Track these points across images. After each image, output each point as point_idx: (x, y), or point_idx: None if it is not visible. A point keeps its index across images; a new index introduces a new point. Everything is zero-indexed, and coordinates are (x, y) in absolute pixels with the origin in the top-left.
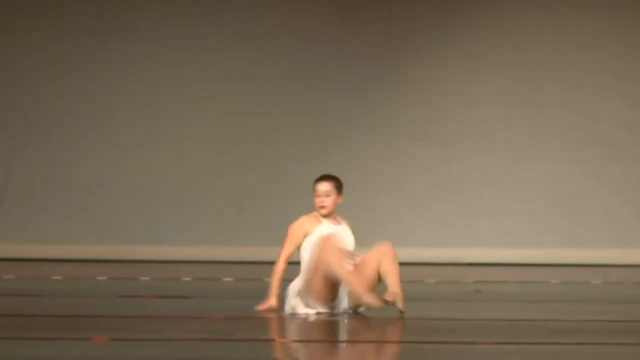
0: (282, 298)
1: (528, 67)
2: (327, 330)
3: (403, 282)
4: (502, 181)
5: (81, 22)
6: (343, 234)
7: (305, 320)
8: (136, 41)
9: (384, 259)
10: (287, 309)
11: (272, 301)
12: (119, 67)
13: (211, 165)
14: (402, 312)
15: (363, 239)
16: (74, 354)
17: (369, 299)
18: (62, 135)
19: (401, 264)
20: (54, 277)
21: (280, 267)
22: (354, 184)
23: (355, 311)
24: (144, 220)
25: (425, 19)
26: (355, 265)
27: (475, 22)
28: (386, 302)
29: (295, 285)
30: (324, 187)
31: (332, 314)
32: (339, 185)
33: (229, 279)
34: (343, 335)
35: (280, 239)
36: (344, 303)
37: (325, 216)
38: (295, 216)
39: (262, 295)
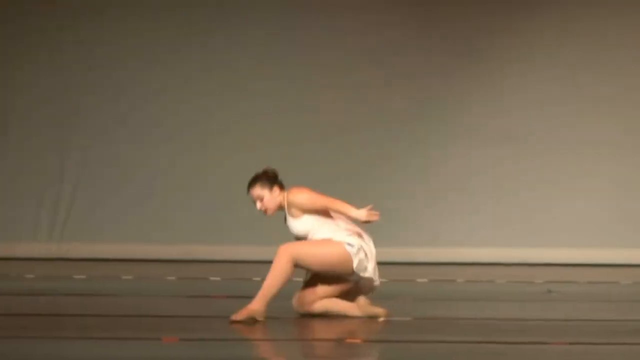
0: None
1: (614, 64)
2: (394, 331)
3: (476, 282)
4: (570, 181)
5: (143, 23)
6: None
7: (372, 321)
8: (199, 43)
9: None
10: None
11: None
12: (179, 68)
13: (283, 163)
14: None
15: (437, 238)
16: (144, 354)
17: (360, 212)
18: (127, 134)
19: (471, 264)
20: (125, 277)
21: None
22: (425, 183)
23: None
24: (214, 219)
25: (506, 14)
26: None
27: (558, 18)
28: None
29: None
30: (252, 194)
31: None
32: (262, 183)
33: (299, 279)
34: (413, 335)
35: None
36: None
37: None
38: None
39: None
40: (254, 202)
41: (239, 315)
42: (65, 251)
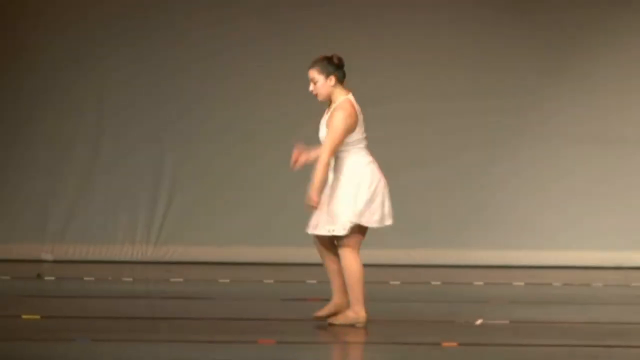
0: None
1: None
2: (491, 334)
3: (572, 285)
4: None
5: (226, 29)
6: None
7: (474, 325)
8: (280, 44)
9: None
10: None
11: None
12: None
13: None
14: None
15: (532, 240)
16: (241, 356)
17: (312, 190)
18: (225, 135)
19: (568, 267)
20: (221, 280)
21: None
22: (521, 184)
23: None
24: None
25: (603, 13)
26: None
27: None
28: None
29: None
30: (309, 74)
31: None
32: (322, 67)
33: (396, 282)
34: (509, 338)
35: (438, 242)
36: None
37: (324, 102)
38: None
39: (430, 299)
40: (343, 68)
41: (339, 319)
42: (162, 254)
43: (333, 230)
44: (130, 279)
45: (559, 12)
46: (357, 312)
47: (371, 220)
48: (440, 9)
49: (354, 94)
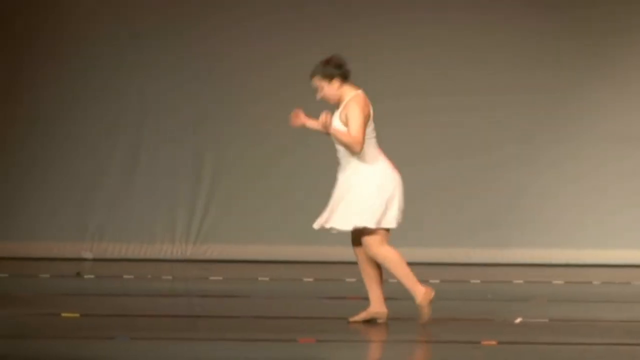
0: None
1: None
2: (530, 332)
3: (612, 284)
4: None
5: (262, 29)
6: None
7: (513, 323)
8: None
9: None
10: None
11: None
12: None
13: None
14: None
15: (572, 239)
16: (281, 355)
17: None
18: (264, 133)
19: (607, 266)
20: (261, 279)
21: None
22: (562, 181)
23: None
24: None
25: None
26: None
27: None
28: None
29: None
30: (313, 84)
31: None
32: (322, 72)
33: (436, 281)
34: (549, 336)
35: (477, 240)
36: None
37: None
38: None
39: (469, 297)
40: (343, 68)
41: (425, 318)
42: (202, 252)
43: (357, 223)
44: (170, 277)
45: (590, 7)
46: (418, 292)
47: (392, 221)
48: (470, 7)
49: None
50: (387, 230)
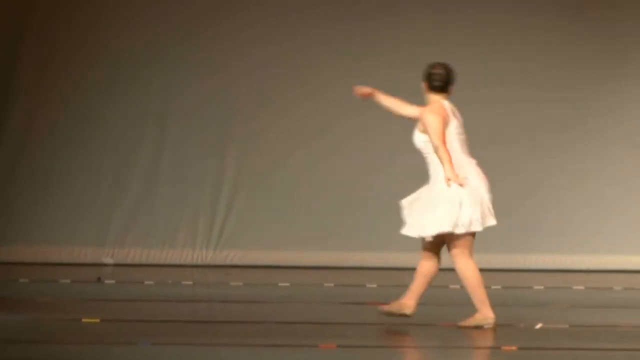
0: None
1: None
2: (550, 338)
3: (634, 289)
4: None
5: (294, 28)
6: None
7: (533, 329)
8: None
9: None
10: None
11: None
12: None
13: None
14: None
15: (590, 245)
16: None
17: (453, 175)
18: (285, 139)
19: (629, 271)
20: (281, 284)
21: None
22: (580, 188)
23: None
24: (371, 226)
25: None
26: None
27: None
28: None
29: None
30: (439, 71)
31: None
32: (451, 72)
33: (456, 287)
34: (569, 342)
35: (504, 246)
36: None
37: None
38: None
39: (492, 302)
40: (437, 80)
41: (468, 322)
42: (222, 258)
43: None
44: (191, 283)
45: (622, 9)
46: (484, 314)
47: (477, 225)
48: (509, 9)
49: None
50: (474, 235)
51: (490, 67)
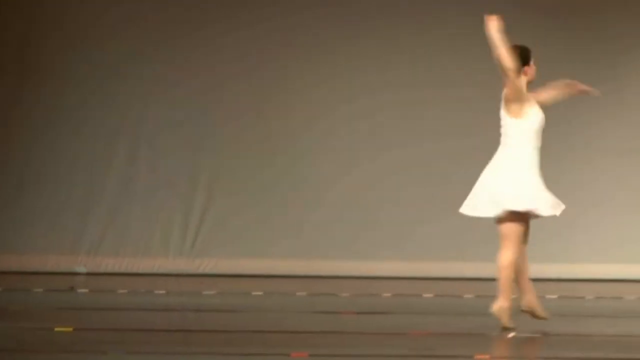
0: None
1: None
2: (523, 347)
3: (605, 298)
4: None
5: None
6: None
7: (506, 338)
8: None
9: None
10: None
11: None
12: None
13: (408, 175)
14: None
15: (565, 254)
16: None
17: None
18: (258, 148)
19: (600, 280)
20: (254, 293)
21: None
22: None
23: None
24: (344, 235)
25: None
26: None
27: None
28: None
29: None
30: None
31: None
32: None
33: (429, 295)
34: (542, 351)
35: (475, 255)
36: None
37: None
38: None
39: (462, 312)
40: None
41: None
42: (196, 267)
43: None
44: (164, 292)
45: (600, 21)
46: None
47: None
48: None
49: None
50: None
51: (460, 68)
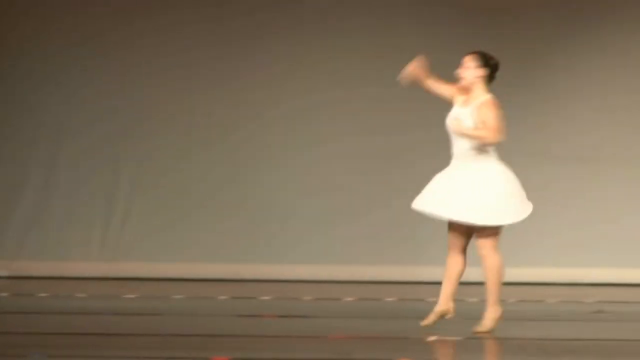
0: None
1: None
2: (444, 351)
3: (526, 302)
4: (621, 199)
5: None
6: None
7: (427, 341)
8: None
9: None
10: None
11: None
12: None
13: (331, 183)
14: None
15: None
16: None
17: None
18: (176, 153)
19: (521, 284)
20: (176, 297)
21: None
22: None
23: None
24: (265, 238)
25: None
26: None
27: None
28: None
29: None
30: (463, 60)
31: None
32: (479, 57)
33: (350, 299)
34: (463, 355)
35: (397, 258)
36: None
37: (462, 91)
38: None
39: (382, 315)
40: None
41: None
42: (116, 270)
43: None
44: (85, 295)
45: (527, 29)
46: (497, 311)
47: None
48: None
49: None
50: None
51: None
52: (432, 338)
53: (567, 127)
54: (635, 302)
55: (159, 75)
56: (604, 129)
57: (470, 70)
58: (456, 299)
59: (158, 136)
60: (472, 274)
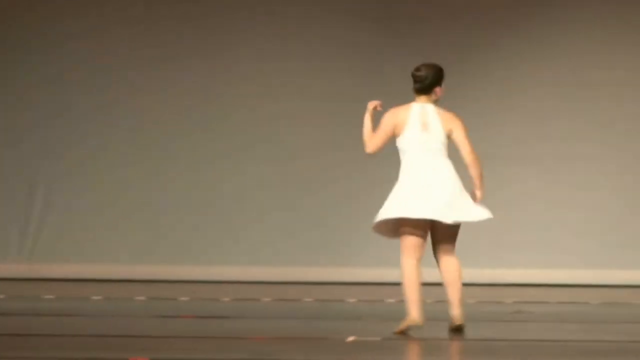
0: None
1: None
2: (364, 352)
3: (444, 302)
4: (546, 199)
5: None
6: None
7: (345, 342)
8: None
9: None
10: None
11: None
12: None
13: (253, 182)
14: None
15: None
16: None
17: None
18: (98, 153)
19: (439, 284)
20: (94, 297)
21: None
22: None
23: None
24: (183, 240)
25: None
26: None
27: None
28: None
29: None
30: (421, 73)
31: None
32: (439, 74)
33: (268, 299)
34: (380, 356)
35: (323, 258)
36: None
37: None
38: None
39: (302, 315)
40: (417, 82)
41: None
42: (35, 271)
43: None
44: (3, 296)
45: (456, 35)
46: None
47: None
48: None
49: None
50: None
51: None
52: (350, 338)
53: (479, 126)
54: (554, 303)
55: (80, 88)
56: (509, 129)
57: (441, 91)
58: (376, 300)
59: (77, 139)
60: (386, 274)
